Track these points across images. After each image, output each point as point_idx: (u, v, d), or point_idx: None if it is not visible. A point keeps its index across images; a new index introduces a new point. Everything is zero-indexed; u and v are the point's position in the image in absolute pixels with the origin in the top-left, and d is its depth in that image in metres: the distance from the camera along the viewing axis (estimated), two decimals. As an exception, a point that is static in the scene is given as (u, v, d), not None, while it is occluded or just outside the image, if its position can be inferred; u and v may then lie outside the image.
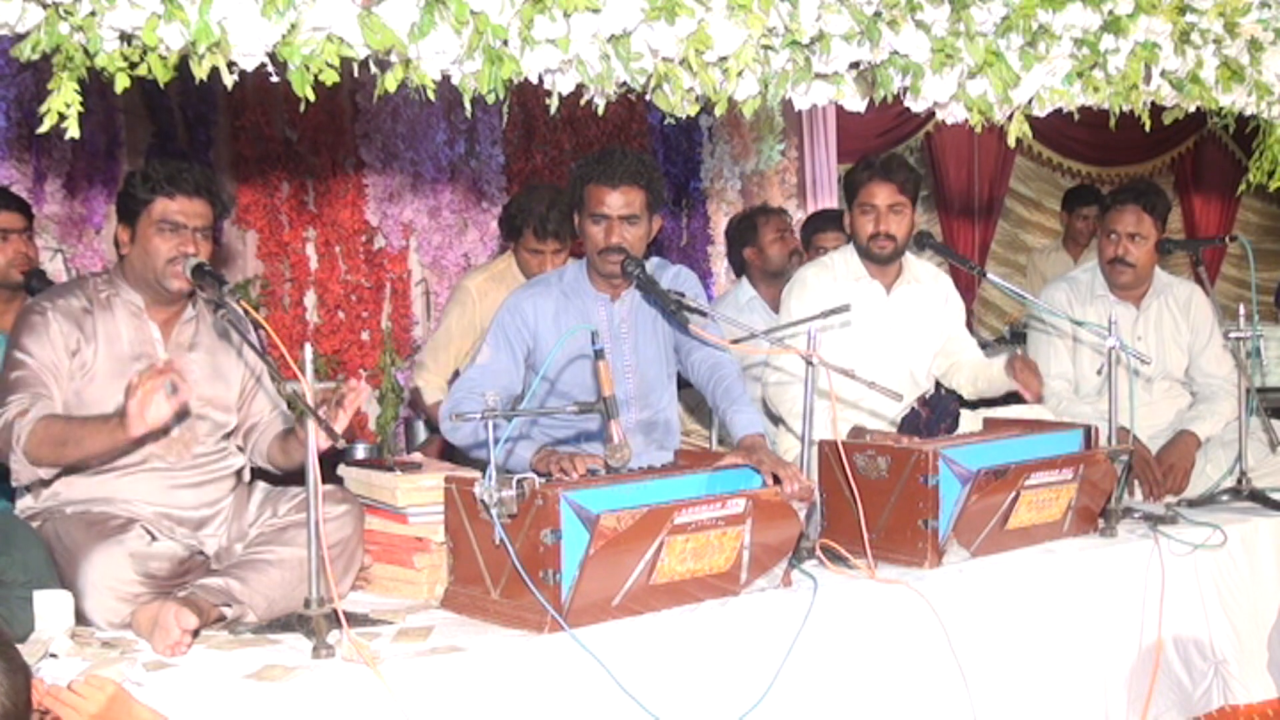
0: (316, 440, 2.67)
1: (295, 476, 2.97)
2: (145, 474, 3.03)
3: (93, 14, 2.23)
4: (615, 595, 2.80)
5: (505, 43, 2.57)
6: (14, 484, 2.97)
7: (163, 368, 2.69)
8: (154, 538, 2.91)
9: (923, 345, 4.14)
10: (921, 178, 4.08)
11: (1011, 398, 4.22)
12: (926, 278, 4.17)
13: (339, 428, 2.80)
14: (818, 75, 3.03)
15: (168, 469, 3.06)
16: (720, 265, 6.11)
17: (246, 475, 3.26)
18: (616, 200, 3.37)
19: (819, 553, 3.27)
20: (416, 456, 3.53)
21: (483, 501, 2.74)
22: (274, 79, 2.43)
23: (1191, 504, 4.02)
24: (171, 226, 2.98)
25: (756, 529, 2.94)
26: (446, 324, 4.55)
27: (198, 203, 3.01)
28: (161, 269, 3.00)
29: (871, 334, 3.98)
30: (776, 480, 3.05)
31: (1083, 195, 7.19)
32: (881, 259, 4.00)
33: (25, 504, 3.05)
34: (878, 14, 2.99)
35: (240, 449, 3.25)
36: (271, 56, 2.39)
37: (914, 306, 4.11)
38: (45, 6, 2.23)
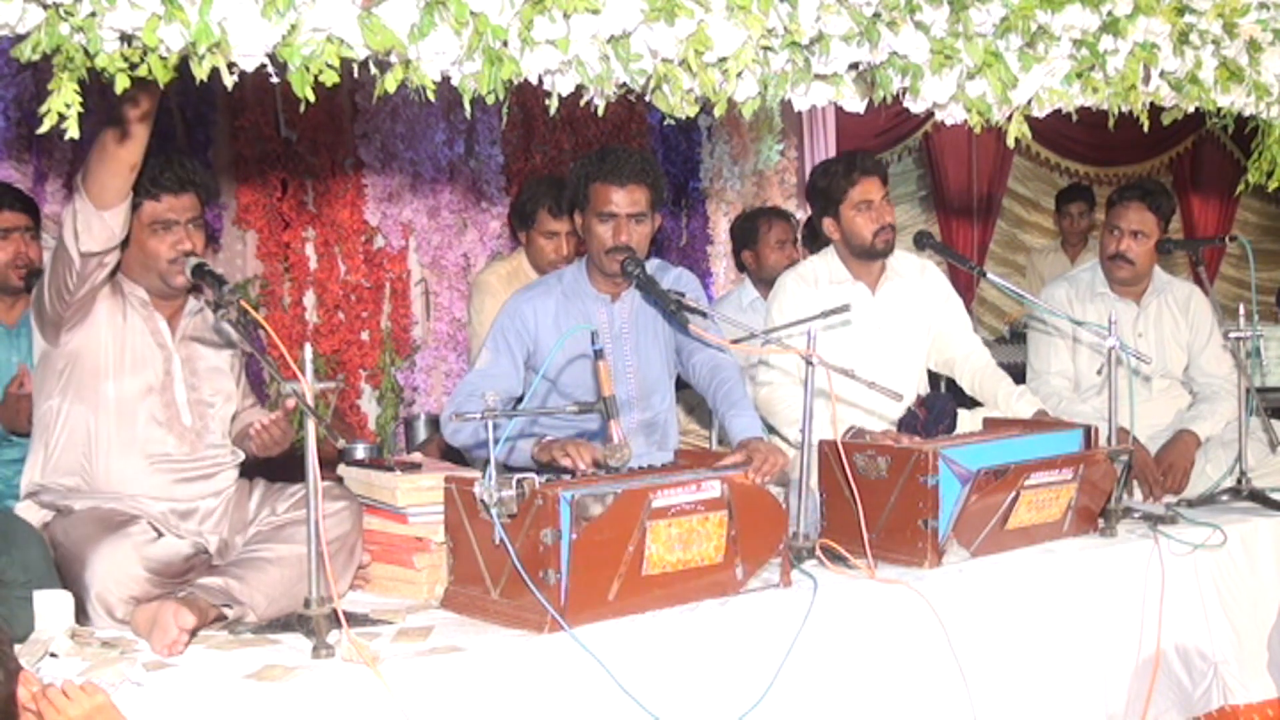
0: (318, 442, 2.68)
1: (294, 473, 2.96)
2: (153, 469, 3.04)
3: (93, 15, 2.23)
4: (609, 588, 2.80)
5: (505, 44, 2.57)
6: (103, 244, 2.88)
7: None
8: (159, 534, 2.92)
9: (914, 342, 4.10)
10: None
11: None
12: (911, 271, 4.11)
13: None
14: (817, 76, 3.03)
15: (176, 462, 3.07)
16: (720, 265, 6.11)
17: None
18: (625, 199, 3.36)
19: (819, 553, 3.27)
20: (416, 456, 3.53)
21: (483, 501, 2.75)
22: (274, 80, 2.43)
23: (1191, 504, 4.01)
24: (164, 225, 3.01)
25: (740, 515, 2.93)
26: (482, 319, 4.44)
27: (185, 198, 3.04)
28: (165, 270, 3.04)
29: (861, 336, 3.91)
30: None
31: (1068, 193, 7.22)
32: (888, 251, 3.97)
33: (23, 504, 3.05)
34: (877, 15, 2.99)
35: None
36: (271, 57, 2.39)
37: (902, 303, 4.06)
38: (45, 7, 2.22)
